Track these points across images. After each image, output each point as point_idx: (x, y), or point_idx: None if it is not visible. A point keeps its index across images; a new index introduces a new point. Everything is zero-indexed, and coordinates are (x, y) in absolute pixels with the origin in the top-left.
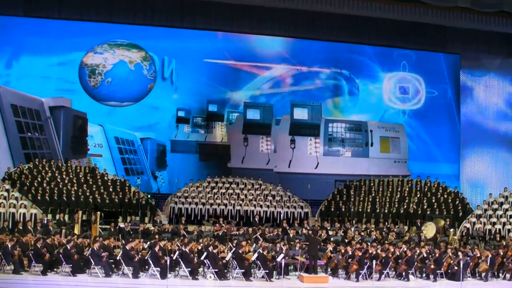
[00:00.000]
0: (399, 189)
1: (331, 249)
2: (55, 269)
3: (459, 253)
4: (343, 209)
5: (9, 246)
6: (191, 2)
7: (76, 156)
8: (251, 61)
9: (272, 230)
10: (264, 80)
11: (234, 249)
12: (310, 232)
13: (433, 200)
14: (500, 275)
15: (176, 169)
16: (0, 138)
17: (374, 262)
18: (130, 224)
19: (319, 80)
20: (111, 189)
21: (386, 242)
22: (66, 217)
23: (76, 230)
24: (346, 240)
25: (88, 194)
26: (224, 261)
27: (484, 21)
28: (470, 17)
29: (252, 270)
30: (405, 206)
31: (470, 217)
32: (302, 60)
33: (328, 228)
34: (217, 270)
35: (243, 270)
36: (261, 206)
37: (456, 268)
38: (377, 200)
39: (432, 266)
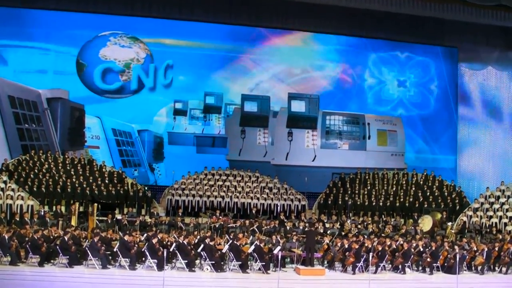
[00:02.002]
0: (394, 182)
1: (328, 242)
2: (52, 261)
3: (456, 247)
4: (340, 202)
5: (6, 237)
6: None
7: (73, 148)
8: (248, 53)
9: (269, 223)
10: (262, 72)
11: (231, 241)
12: (307, 224)
13: (428, 194)
14: (496, 268)
15: (173, 161)
16: None
17: (370, 255)
18: (127, 216)
19: (316, 72)
20: (108, 181)
21: (383, 235)
22: (63, 208)
23: (73, 222)
24: (343, 233)
25: (85, 186)
26: (220, 253)
27: (482, 14)
28: (468, 10)
29: (248, 262)
30: (401, 199)
31: (466, 211)
32: (299, 52)
33: (325, 221)
34: (213, 262)
35: (240, 262)
36: (258, 199)
37: (452, 261)
38: (374, 193)
39: (428, 259)
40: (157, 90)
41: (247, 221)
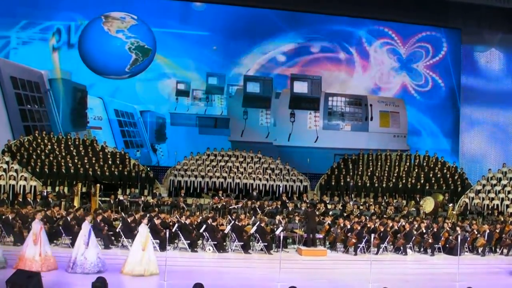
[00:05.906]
0: (397, 163)
1: (330, 223)
2: (55, 241)
3: (457, 228)
4: (342, 183)
5: (10, 218)
6: None
7: (76, 129)
8: (250, 34)
9: (271, 203)
10: (263, 53)
11: (233, 222)
12: (308, 206)
13: (431, 175)
14: (498, 250)
15: (176, 142)
16: (0, 111)
17: (372, 236)
18: (129, 196)
19: (319, 53)
20: (110, 162)
21: (385, 216)
22: (66, 189)
23: (76, 203)
24: (345, 214)
25: (87, 166)
26: (223, 233)
27: None
28: None
29: (251, 243)
30: (404, 181)
31: (468, 192)
32: (301, 33)
33: (327, 202)
34: (216, 242)
35: (242, 243)
36: (260, 180)
37: (454, 242)
38: (376, 174)
39: (430, 241)
40: (159, 71)
41: (249, 202)
